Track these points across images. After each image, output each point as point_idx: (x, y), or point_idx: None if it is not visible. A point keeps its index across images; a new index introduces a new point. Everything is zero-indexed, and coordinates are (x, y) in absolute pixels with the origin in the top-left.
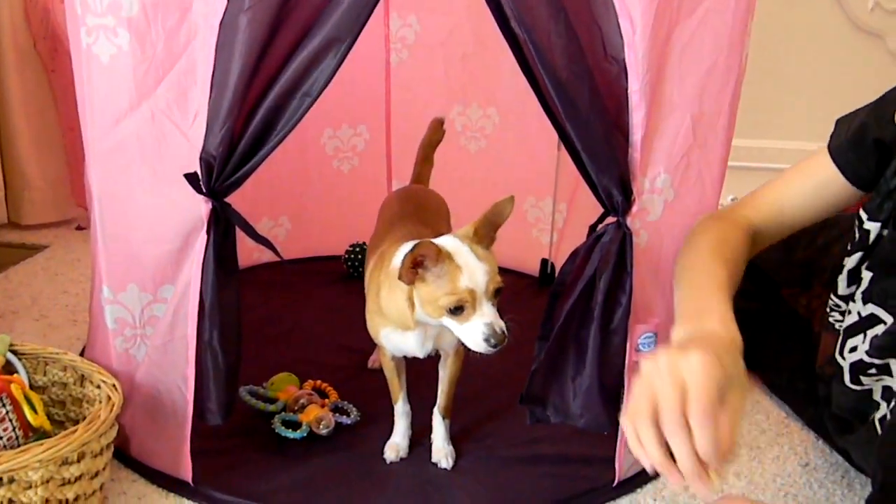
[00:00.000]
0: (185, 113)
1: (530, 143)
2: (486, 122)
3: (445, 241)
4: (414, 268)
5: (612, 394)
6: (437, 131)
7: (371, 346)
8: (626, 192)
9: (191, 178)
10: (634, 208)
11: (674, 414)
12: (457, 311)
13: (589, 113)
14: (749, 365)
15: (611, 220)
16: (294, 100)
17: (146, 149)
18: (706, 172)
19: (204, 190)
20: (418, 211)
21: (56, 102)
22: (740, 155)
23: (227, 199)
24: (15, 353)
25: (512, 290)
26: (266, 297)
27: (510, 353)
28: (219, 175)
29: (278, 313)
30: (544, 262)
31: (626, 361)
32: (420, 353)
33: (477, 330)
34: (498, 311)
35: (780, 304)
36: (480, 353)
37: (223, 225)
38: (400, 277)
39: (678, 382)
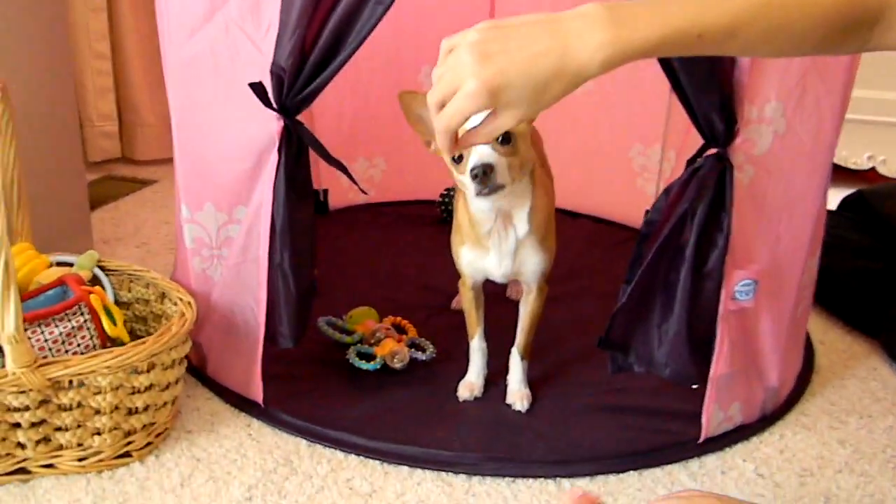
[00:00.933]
0: (258, 24)
1: (640, 85)
2: None
3: None
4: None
5: (701, 344)
6: None
7: (455, 288)
8: (728, 119)
9: (257, 88)
10: (738, 139)
11: None
12: (458, 159)
13: None
14: (869, 330)
15: (711, 151)
16: (367, 7)
17: (220, 62)
18: (825, 102)
19: (274, 105)
20: None
21: None
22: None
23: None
24: (102, 268)
25: (612, 242)
26: (358, 236)
27: (596, 300)
28: (289, 89)
29: (368, 252)
30: (648, 213)
31: (721, 310)
32: (497, 275)
33: (470, 163)
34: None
35: None
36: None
37: (295, 145)
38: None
39: None
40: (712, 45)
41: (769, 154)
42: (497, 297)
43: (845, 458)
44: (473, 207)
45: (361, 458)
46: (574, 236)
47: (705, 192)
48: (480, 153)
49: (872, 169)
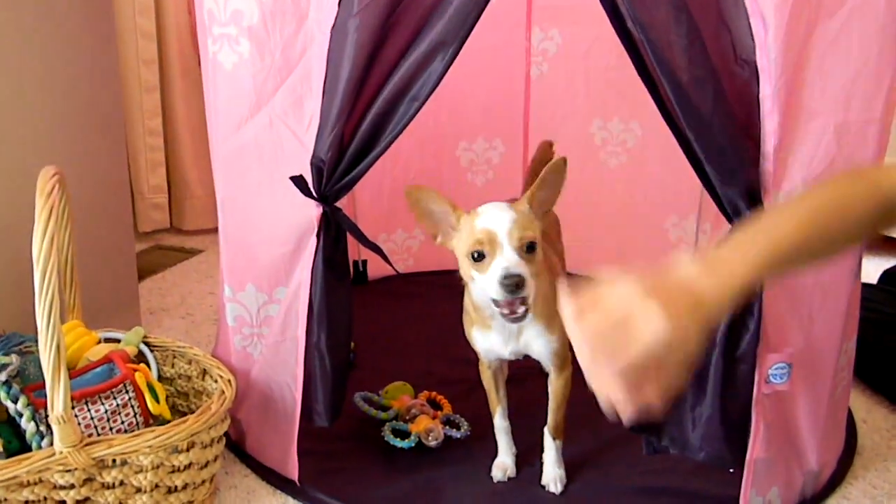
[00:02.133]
0: (301, 119)
1: (674, 158)
2: (628, 135)
3: (488, 205)
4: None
5: (736, 427)
6: (546, 152)
7: None
8: (754, 204)
9: (298, 181)
10: None
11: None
12: (478, 258)
13: (712, 118)
14: None
15: None
16: (402, 104)
17: (264, 153)
18: None
19: (314, 194)
20: None
21: None
22: None
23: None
24: (148, 345)
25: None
26: (395, 307)
27: None
28: (328, 179)
29: (405, 323)
30: None
31: (755, 393)
32: (505, 353)
33: (493, 275)
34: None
35: None
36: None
37: (333, 229)
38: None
39: (626, 326)
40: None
41: None
42: (531, 372)
43: None
44: (475, 295)
45: None
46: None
47: None
48: (510, 261)
49: None
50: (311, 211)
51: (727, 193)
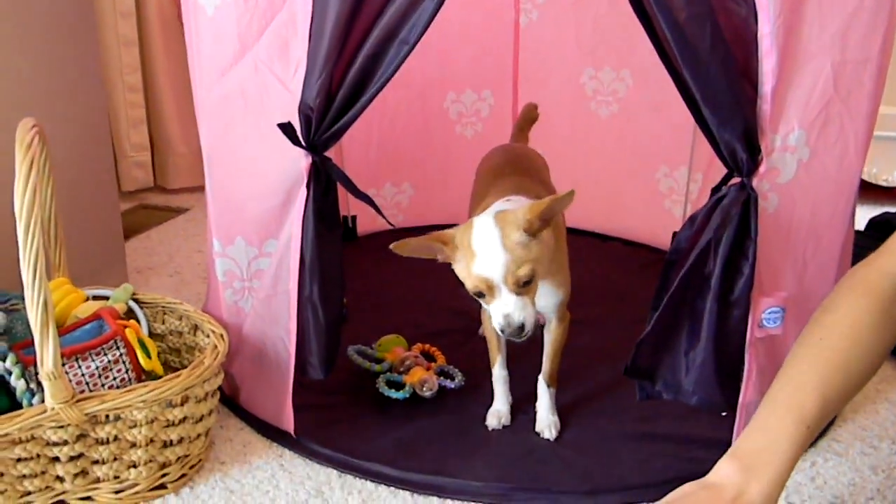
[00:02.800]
0: (287, 64)
1: (666, 107)
2: (619, 85)
3: (482, 221)
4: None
5: (729, 371)
6: (531, 113)
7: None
8: (751, 149)
9: (286, 128)
10: (762, 168)
11: None
12: (478, 294)
13: (710, 57)
14: None
15: (735, 181)
16: (392, 47)
17: (250, 101)
18: (849, 129)
19: (302, 143)
20: (519, 162)
21: None
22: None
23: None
24: (137, 301)
25: (641, 265)
26: (386, 262)
27: (625, 325)
28: (317, 127)
29: (397, 278)
30: (674, 235)
31: (748, 337)
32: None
33: (495, 317)
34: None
35: None
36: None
37: (323, 180)
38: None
39: None
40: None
41: (794, 182)
42: None
43: (877, 484)
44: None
45: (392, 488)
46: (603, 259)
47: (729, 222)
48: (508, 307)
49: None
50: (300, 161)
51: (724, 136)
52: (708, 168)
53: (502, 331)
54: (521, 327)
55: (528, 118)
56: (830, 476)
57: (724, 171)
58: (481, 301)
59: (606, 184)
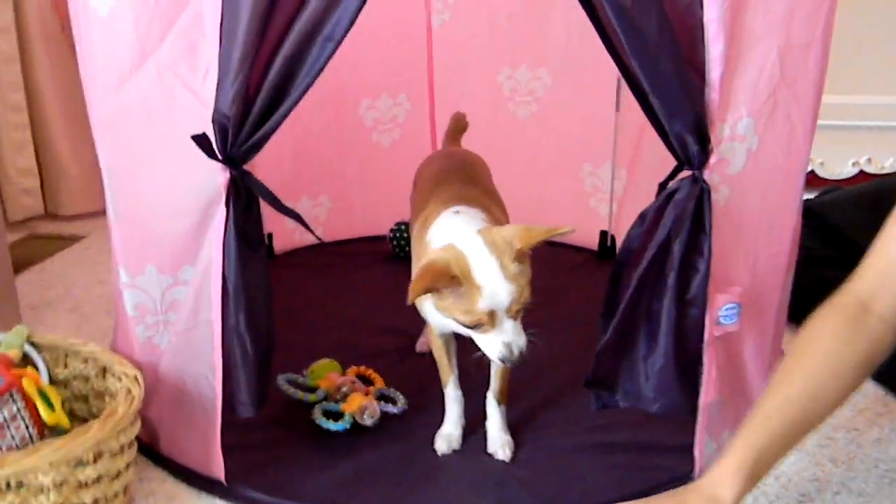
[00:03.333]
0: (195, 70)
1: (586, 104)
2: (537, 84)
3: (473, 249)
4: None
5: (689, 374)
6: (460, 121)
7: (420, 328)
8: (702, 140)
9: (200, 140)
10: (713, 159)
11: None
12: (475, 326)
13: (657, 46)
14: None
15: (685, 174)
16: (314, 46)
17: (153, 112)
18: (796, 115)
19: (219, 156)
20: (463, 169)
21: None
22: (831, 113)
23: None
24: (34, 345)
25: (569, 266)
26: (306, 280)
27: (570, 334)
28: (235, 138)
29: (319, 297)
30: (603, 234)
31: (707, 336)
32: (463, 330)
33: (494, 346)
34: (523, 321)
35: None
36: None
37: (244, 196)
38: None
39: None
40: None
41: (743, 172)
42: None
43: (840, 477)
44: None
45: None
46: (530, 262)
47: (684, 217)
48: (510, 336)
49: (860, 173)
50: (217, 177)
51: (675, 128)
52: (631, 164)
53: (502, 360)
54: (522, 354)
55: (458, 128)
56: (793, 472)
57: (648, 164)
58: (472, 331)
59: (530, 185)
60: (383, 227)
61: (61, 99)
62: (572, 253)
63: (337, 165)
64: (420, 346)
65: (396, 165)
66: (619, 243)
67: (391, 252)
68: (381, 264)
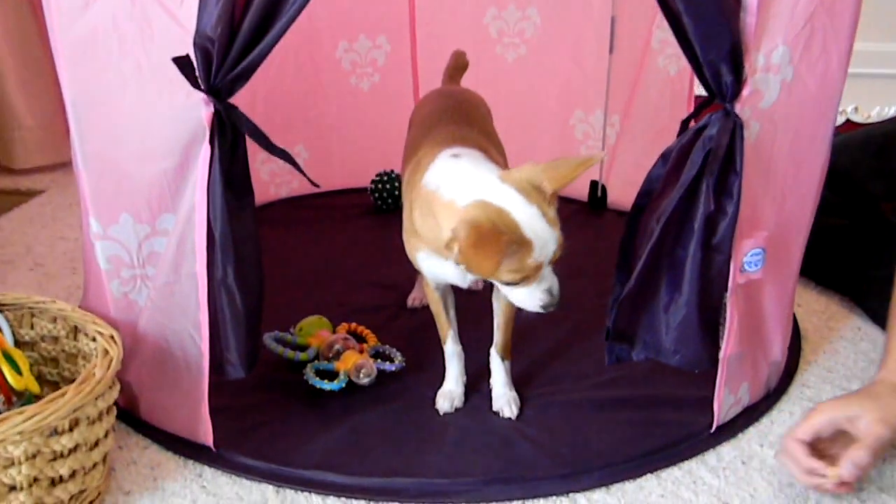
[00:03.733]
0: None
1: (577, 46)
2: (526, 24)
3: (510, 201)
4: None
5: (710, 325)
6: (460, 59)
7: (410, 282)
8: (737, 69)
9: (182, 64)
10: (745, 91)
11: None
12: (517, 281)
13: None
14: (839, 288)
15: (715, 108)
16: None
17: (126, 37)
18: (832, 45)
19: (202, 86)
20: (460, 108)
21: (42, 30)
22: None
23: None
24: None
25: (561, 216)
26: (286, 235)
27: (567, 286)
28: (220, 65)
29: (301, 253)
30: (594, 183)
31: (730, 284)
32: (462, 283)
33: (534, 296)
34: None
35: (876, 218)
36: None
37: (230, 134)
38: (457, 261)
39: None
40: None
41: (776, 107)
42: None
43: None
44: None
45: (343, 498)
46: None
47: (717, 154)
48: (551, 283)
49: (847, 122)
50: (199, 111)
51: (709, 56)
52: (625, 111)
53: (543, 307)
54: (559, 302)
55: (458, 66)
56: None
57: (642, 111)
58: (508, 286)
59: (518, 132)
60: (363, 179)
61: (14, 46)
62: (561, 204)
63: (313, 112)
64: (412, 301)
65: (376, 112)
66: (610, 193)
67: (373, 205)
68: (363, 218)
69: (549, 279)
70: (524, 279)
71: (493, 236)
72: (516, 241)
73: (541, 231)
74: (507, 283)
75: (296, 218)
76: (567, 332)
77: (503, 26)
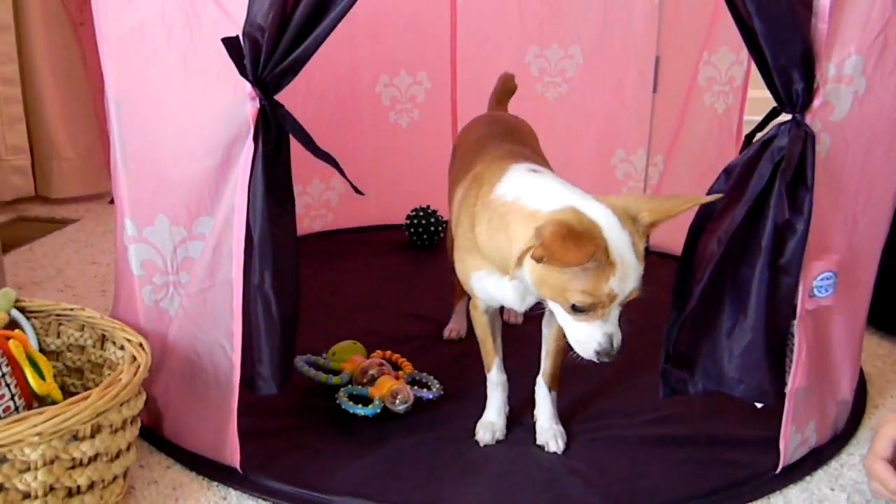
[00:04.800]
0: None
1: (620, 85)
2: (568, 63)
3: (604, 218)
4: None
5: (776, 354)
6: (508, 82)
7: (446, 314)
8: (808, 77)
9: (232, 45)
10: (816, 102)
11: None
12: (580, 309)
13: None
14: None
15: (784, 118)
16: None
17: (173, 29)
18: None
19: (249, 77)
20: (513, 131)
21: (85, 61)
22: None
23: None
24: (22, 310)
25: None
26: (320, 268)
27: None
28: (269, 56)
29: (334, 284)
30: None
31: (799, 310)
32: (519, 306)
33: (593, 337)
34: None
35: None
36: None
37: (274, 132)
38: (538, 256)
39: None
40: None
41: (848, 120)
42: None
43: None
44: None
45: None
46: None
47: (788, 166)
48: (612, 331)
49: None
50: (245, 106)
51: (780, 62)
52: (669, 150)
53: (598, 354)
54: (619, 350)
55: (506, 89)
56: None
57: (687, 151)
58: (569, 314)
59: (558, 172)
60: (398, 216)
61: (58, 75)
62: None
63: (351, 147)
64: (448, 332)
65: (414, 148)
66: (652, 236)
67: (408, 240)
68: (398, 252)
69: (614, 325)
70: (592, 307)
71: (584, 233)
72: (602, 256)
73: (628, 259)
74: (573, 308)
75: (330, 251)
76: (615, 369)
77: (545, 65)
